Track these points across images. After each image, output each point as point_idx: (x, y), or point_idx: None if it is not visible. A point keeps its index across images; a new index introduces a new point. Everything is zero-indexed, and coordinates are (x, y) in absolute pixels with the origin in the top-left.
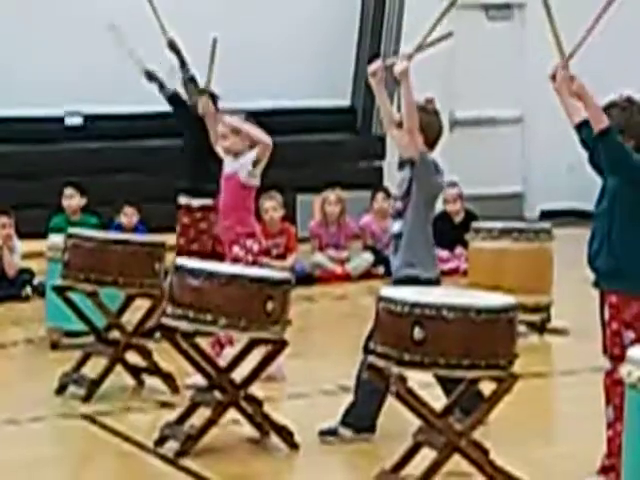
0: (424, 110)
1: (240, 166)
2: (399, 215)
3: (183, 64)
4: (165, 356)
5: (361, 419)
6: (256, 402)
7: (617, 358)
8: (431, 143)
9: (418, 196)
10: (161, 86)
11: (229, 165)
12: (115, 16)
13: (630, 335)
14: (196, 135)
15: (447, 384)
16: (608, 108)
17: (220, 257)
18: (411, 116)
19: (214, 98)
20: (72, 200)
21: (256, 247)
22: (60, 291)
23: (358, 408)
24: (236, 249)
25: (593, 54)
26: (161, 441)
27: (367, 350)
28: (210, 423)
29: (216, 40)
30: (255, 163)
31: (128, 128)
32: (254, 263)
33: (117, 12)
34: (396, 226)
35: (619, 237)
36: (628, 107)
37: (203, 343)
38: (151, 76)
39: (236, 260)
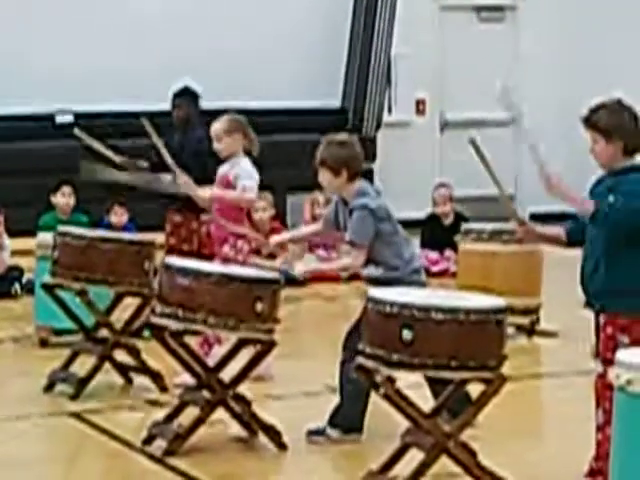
0: (340, 144)
1: (234, 177)
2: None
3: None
4: (154, 355)
5: (348, 419)
6: (244, 402)
7: (609, 362)
8: (353, 175)
9: (376, 240)
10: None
11: (226, 167)
12: (112, 15)
13: (624, 340)
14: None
15: (436, 386)
16: (597, 110)
17: (205, 258)
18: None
19: (195, 97)
20: (70, 199)
21: (246, 247)
22: (49, 289)
23: (344, 409)
24: (226, 249)
25: (604, 49)
26: (149, 440)
27: (346, 348)
28: (198, 422)
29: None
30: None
31: (119, 126)
32: (244, 263)
33: (114, 11)
34: (373, 270)
35: (616, 259)
36: (618, 109)
37: (192, 342)
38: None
39: (226, 260)
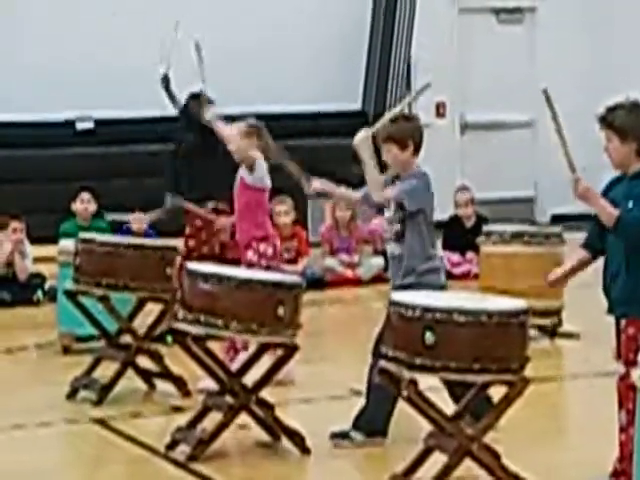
0: (406, 119)
1: (244, 170)
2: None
3: (173, 100)
4: (176, 360)
5: (373, 423)
6: (267, 406)
7: (632, 363)
8: (418, 149)
9: (418, 216)
10: (172, 99)
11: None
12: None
13: None
14: (207, 138)
15: (454, 388)
16: (614, 109)
17: (228, 262)
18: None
19: (210, 102)
20: (89, 205)
21: (270, 251)
22: (71, 295)
23: (370, 412)
24: (250, 254)
25: (623, 50)
26: (172, 445)
27: (376, 354)
28: (221, 427)
29: (198, 44)
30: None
31: (139, 132)
32: (268, 267)
33: (131, 17)
34: (395, 248)
35: (636, 266)
36: (634, 110)
37: (214, 347)
38: (167, 85)
39: (250, 265)
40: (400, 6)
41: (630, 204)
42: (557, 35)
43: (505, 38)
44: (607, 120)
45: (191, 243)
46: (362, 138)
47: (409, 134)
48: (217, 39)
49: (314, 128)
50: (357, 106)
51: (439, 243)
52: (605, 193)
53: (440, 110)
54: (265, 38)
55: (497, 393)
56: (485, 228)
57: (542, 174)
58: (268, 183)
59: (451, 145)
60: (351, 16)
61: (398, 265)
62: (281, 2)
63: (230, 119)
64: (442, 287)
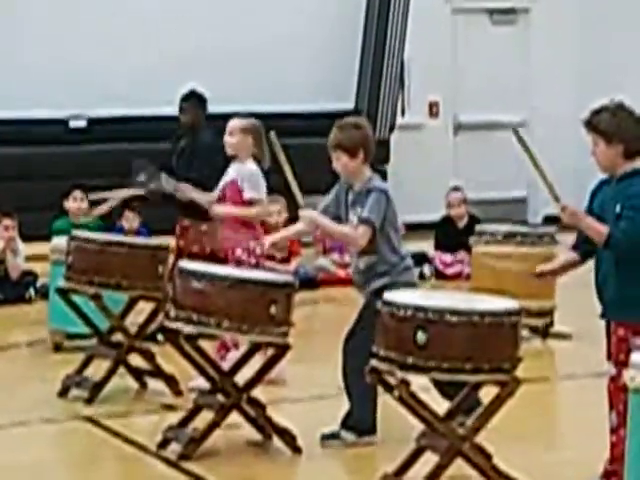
0: (355, 127)
1: (241, 179)
2: (363, 252)
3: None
4: (168, 359)
5: (361, 421)
6: (259, 405)
7: (622, 364)
8: (367, 157)
9: (383, 225)
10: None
11: (233, 170)
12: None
13: (637, 341)
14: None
15: (444, 387)
16: (598, 113)
17: (219, 261)
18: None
19: (203, 101)
20: (82, 203)
21: (259, 249)
22: (63, 293)
23: (355, 411)
24: (238, 252)
25: (616, 51)
26: (164, 444)
27: (346, 352)
28: (213, 426)
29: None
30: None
31: (132, 131)
32: (257, 265)
33: (126, 15)
34: (361, 263)
35: (625, 271)
36: (619, 112)
37: (206, 346)
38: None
39: (239, 263)
40: (393, 6)
41: (618, 208)
42: (550, 36)
43: (499, 39)
44: (592, 124)
45: (181, 242)
46: (308, 220)
47: (359, 142)
48: (210, 39)
49: (307, 127)
50: (350, 105)
51: (431, 243)
52: (593, 195)
53: (433, 110)
54: (259, 38)
55: (489, 393)
56: (477, 228)
57: (535, 175)
58: (263, 194)
59: (444, 145)
60: (344, 16)
61: (369, 273)
62: (275, 2)
63: (224, 118)
64: (414, 285)
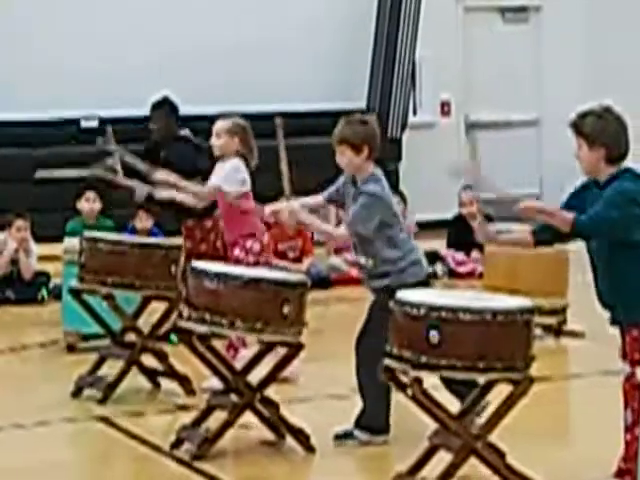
0: (361, 122)
1: (218, 179)
2: (364, 252)
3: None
4: (181, 359)
5: (374, 420)
6: (272, 405)
7: (637, 363)
8: (372, 153)
9: (380, 227)
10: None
11: (217, 169)
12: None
13: None
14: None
15: (453, 384)
16: (584, 116)
17: (228, 260)
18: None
19: (174, 109)
20: (94, 204)
21: (257, 247)
22: (76, 294)
23: (369, 410)
24: (236, 251)
25: (628, 50)
26: (177, 444)
27: (359, 352)
28: (226, 426)
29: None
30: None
31: (144, 131)
32: (256, 263)
33: (136, 15)
34: (363, 261)
35: (620, 273)
36: (604, 116)
37: (218, 345)
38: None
39: (237, 262)
40: (405, 5)
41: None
42: (562, 34)
43: (510, 37)
44: (577, 126)
45: (188, 244)
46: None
47: (364, 138)
48: (223, 37)
49: (319, 127)
50: (362, 105)
51: (443, 242)
52: (573, 196)
53: (445, 109)
54: (270, 38)
55: (502, 392)
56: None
57: (547, 172)
58: (247, 187)
59: (456, 144)
60: (356, 15)
61: (373, 273)
62: (287, 2)
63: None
64: (424, 282)
